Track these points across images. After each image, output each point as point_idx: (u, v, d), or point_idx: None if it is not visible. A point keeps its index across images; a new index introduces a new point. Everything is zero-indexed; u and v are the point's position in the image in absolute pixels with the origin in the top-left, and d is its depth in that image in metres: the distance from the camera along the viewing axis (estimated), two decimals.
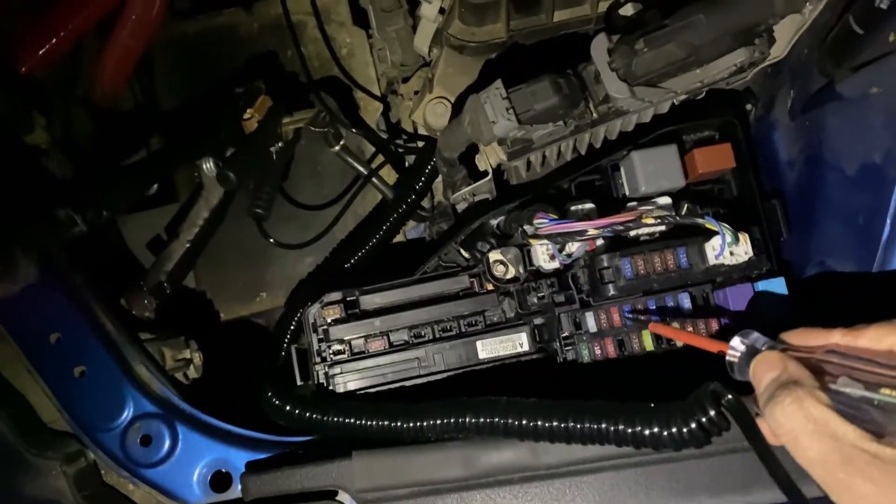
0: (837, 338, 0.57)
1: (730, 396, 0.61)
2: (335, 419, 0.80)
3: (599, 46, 0.84)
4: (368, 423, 0.78)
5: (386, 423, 0.77)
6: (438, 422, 0.74)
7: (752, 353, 0.60)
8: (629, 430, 0.65)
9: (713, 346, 0.65)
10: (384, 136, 1.17)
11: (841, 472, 0.49)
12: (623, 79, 0.83)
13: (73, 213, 0.85)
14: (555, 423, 0.68)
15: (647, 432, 0.65)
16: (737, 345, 0.62)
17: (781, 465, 0.57)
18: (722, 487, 0.72)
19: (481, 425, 0.72)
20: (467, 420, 0.72)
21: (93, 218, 0.87)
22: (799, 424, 0.52)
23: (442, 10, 1.02)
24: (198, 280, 1.17)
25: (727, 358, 0.63)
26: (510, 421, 0.70)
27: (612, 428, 0.66)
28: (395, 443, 0.76)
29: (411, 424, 0.76)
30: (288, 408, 0.83)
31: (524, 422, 0.70)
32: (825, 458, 0.50)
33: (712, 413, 0.62)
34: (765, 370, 0.58)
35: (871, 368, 0.51)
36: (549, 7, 1.00)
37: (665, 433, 0.64)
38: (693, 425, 0.63)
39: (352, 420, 0.79)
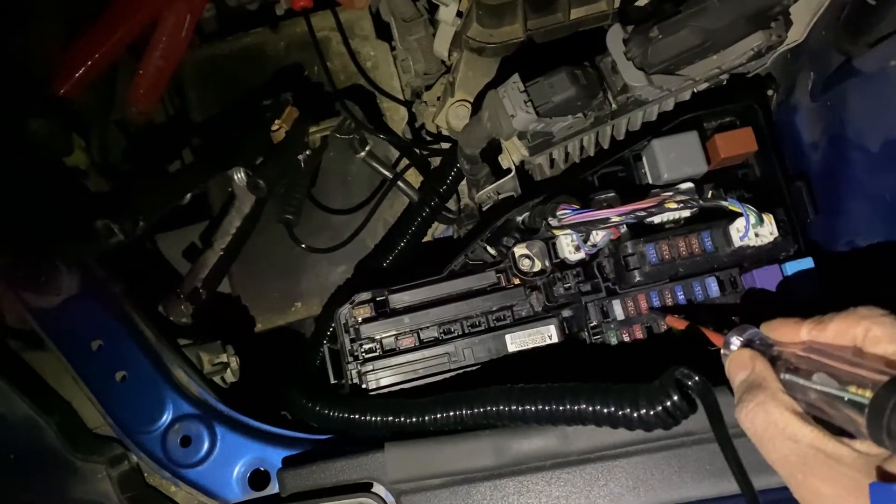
0: (805, 331, 0.57)
1: (696, 379, 0.62)
2: (339, 415, 0.83)
3: (615, 36, 0.85)
4: (371, 418, 0.80)
5: (382, 418, 0.80)
6: (438, 416, 0.76)
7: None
8: (602, 411, 0.67)
9: (718, 341, 0.65)
10: (412, 142, 1.19)
11: (799, 472, 0.51)
12: (640, 67, 0.84)
13: (112, 223, 0.88)
14: (536, 407, 0.71)
15: (619, 413, 0.66)
16: (732, 340, 0.62)
17: (737, 452, 0.59)
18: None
19: (475, 415, 0.74)
20: (463, 412, 0.75)
21: (130, 228, 0.90)
22: (761, 427, 0.54)
23: (459, 14, 1.04)
24: (235, 292, 1.20)
25: (722, 352, 0.63)
26: (499, 408, 0.72)
27: (587, 408, 0.68)
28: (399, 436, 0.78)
29: (409, 420, 0.78)
30: (301, 403, 0.86)
31: (510, 407, 0.72)
32: (785, 459, 0.52)
33: (676, 397, 0.64)
34: (736, 370, 0.60)
35: (841, 364, 0.51)
36: (566, 5, 1.02)
37: (634, 415, 0.66)
38: (659, 408, 0.64)
39: (356, 416, 0.82)
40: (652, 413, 0.65)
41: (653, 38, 0.82)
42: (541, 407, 0.70)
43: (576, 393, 0.69)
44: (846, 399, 0.48)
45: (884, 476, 0.48)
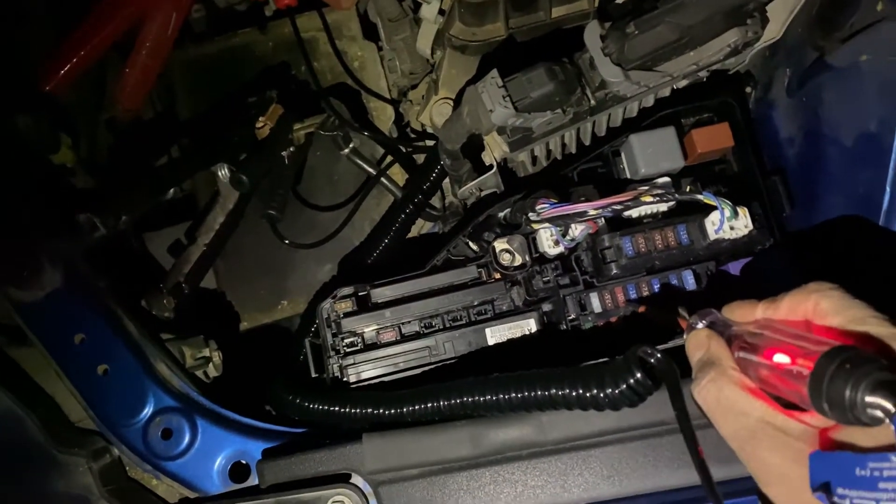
0: (760, 311, 0.59)
1: (658, 356, 0.63)
2: (318, 407, 0.83)
3: (592, 33, 0.86)
4: (349, 410, 0.81)
5: (361, 410, 0.80)
6: (414, 408, 0.77)
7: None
8: (571, 394, 0.68)
9: (683, 324, 0.66)
10: (396, 139, 1.20)
11: (748, 444, 0.53)
12: (617, 63, 0.85)
13: (94, 217, 0.89)
14: (508, 396, 0.72)
15: (587, 395, 0.67)
16: (695, 323, 0.64)
17: (694, 432, 0.60)
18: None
19: (451, 406, 0.75)
20: (438, 404, 0.76)
21: (112, 222, 0.90)
22: (713, 402, 0.56)
23: (442, 12, 1.05)
24: (222, 289, 1.21)
25: (685, 335, 0.64)
26: (474, 398, 0.74)
27: (557, 393, 0.69)
28: (377, 427, 0.79)
29: (387, 411, 0.79)
30: (282, 396, 0.87)
31: (484, 397, 0.73)
32: (735, 433, 0.54)
33: (639, 375, 0.65)
34: (694, 350, 0.61)
35: (789, 339, 0.52)
36: (547, 4, 1.03)
37: (601, 395, 0.67)
38: (623, 386, 0.65)
39: (334, 408, 0.82)
40: (617, 392, 0.66)
41: (629, 33, 0.83)
42: (513, 395, 0.71)
43: (545, 379, 0.69)
44: (793, 372, 0.49)
45: (826, 444, 0.48)
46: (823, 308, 0.53)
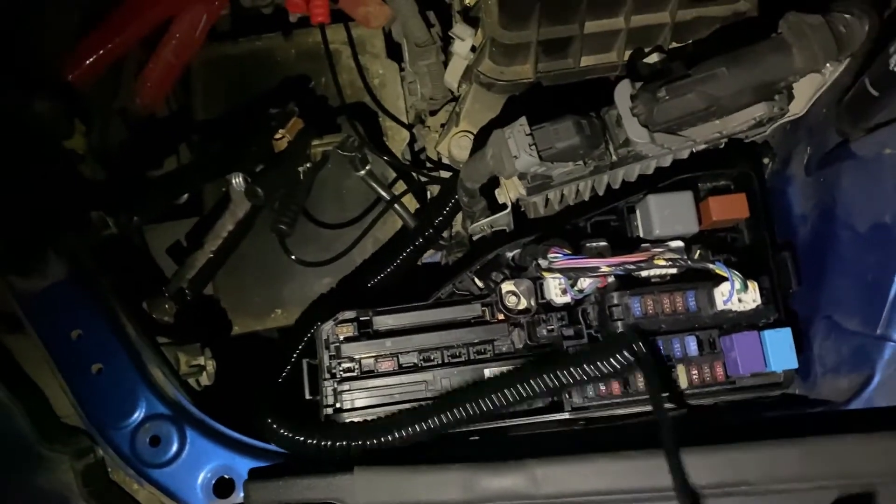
0: None
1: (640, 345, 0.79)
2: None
3: (623, 91, 0.87)
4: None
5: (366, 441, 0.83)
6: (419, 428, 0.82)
7: None
8: (574, 374, 0.80)
9: None
10: (412, 167, 1.21)
11: None
12: (644, 124, 0.86)
13: (106, 215, 0.88)
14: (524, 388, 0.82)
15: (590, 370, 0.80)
16: None
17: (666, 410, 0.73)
18: None
19: (457, 420, 0.82)
20: (439, 420, 0.81)
21: (124, 222, 0.90)
22: None
23: (473, 48, 1.05)
24: (218, 293, 1.20)
25: None
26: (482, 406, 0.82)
27: (557, 377, 0.81)
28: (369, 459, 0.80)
29: (390, 438, 0.82)
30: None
31: (495, 402, 0.82)
32: None
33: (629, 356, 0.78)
34: None
35: None
36: (577, 52, 1.04)
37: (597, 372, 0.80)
38: (617, 366, 0.79)
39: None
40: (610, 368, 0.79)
41: (660, 97, 0.84)
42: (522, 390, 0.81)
43: (555, 363, 0.81)
44: None
45: None
46: None
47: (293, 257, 1.10)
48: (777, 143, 1.02)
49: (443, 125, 1.23)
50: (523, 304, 0.92)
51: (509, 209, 0.99)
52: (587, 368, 0.81)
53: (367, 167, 1.12)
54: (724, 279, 0.82)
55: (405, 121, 1.28)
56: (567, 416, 0.88)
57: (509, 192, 0.98)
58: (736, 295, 0.83)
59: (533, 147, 0.85)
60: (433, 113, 1.28)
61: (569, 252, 0.87)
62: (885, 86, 0.74)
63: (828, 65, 0.86)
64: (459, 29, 1.04)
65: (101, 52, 1.07)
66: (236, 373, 1.12)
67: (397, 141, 1.29)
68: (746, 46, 0.84)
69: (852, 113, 0.82)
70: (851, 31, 0.81)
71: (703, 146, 0.92)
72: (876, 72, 0.76)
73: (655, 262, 0.83)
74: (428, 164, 1.24)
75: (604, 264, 0.84)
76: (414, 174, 1.20)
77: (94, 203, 0.89)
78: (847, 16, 0.82)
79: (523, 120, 0.86)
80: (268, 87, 1.27)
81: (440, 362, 0.93)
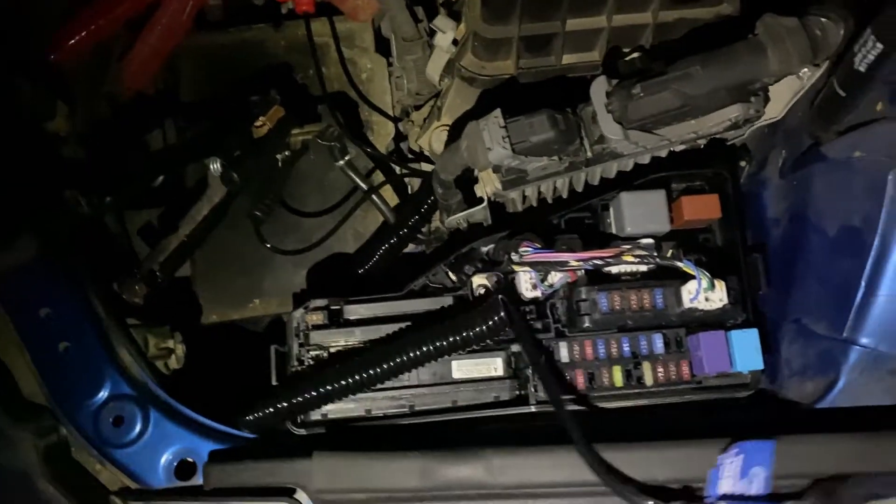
0: None
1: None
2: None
3: (599, 88, 0.87)
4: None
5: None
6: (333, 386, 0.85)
7: None
8: (453, 340, 0.84)
9: None
10: (393, 158, 1.21)
11: None
12: (618, 121, 0.86)
13: (80, 195, 0.88)
14: (405, 357, 0.85)
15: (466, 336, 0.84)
16: None
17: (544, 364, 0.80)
18: None
19: (360, 381, 0.85)
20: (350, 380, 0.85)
21: (97, 202, 0.90)
22: None
23: (455, 42, 1.06)
24: (196, 279, 1.20)
25: None
26: (384, 366, 0.85)
27: (443, 344, 0.84)
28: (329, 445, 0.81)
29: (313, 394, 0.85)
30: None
31: (396, 362, 0.85)
32: None
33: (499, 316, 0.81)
34: None
35: None
36: (559, 50, 1.04)
37: (471, 334, 0.83)
38: (490, 324, 0.82)
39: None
40: (484, 330, 0.82)
41: (634, 94, 0.84)
42: (410, 355, 0.84)
43: (429, 335, 0.85)
44: None
45: None
46: None
47: (268, 245, 1.10)
48: (755, 146, 1.03)
49: (426, 119, 1.23)
50: None
51: (485, 203, 0.99)
52: (465, 332, 0.84)
53: (347, 157, 1.12)
54: (692, 277, 0.82)
55: (392, 115, 1.29)
56: (533, 410, 0.88)
57: (486, 186, 0.99)
58: (703, 293, 0.83)
59: (507, 139, 0.86)
60: (418, 108, 1.28)
61: (539, 245, 0.87)
62: (851, 85, 0.75)
63: (805, 69, 0.86)
64: (441, 21, 1.04)
65: (86, 32, 1.07)
66: (209, 361, 1.12)
67: (382, 135, 1.29)
68: (723, 47, 0.84)
69: (823, 115, 0.82)
70: (827, 34, 0.81)
71: (680, 146, 0.93)
72: (843, 72, 0.76)
73: (624, 258, 0.84)
74: (410, 157, 1.24)
75: (572, 259, 0.84)
76: (394, 166, 1.20)
77: (68, 182, 0.89)
78: (823, 19, 0.82)
79: (498, 112, 0.87)
80: (255, 76, 1.26)
81: None
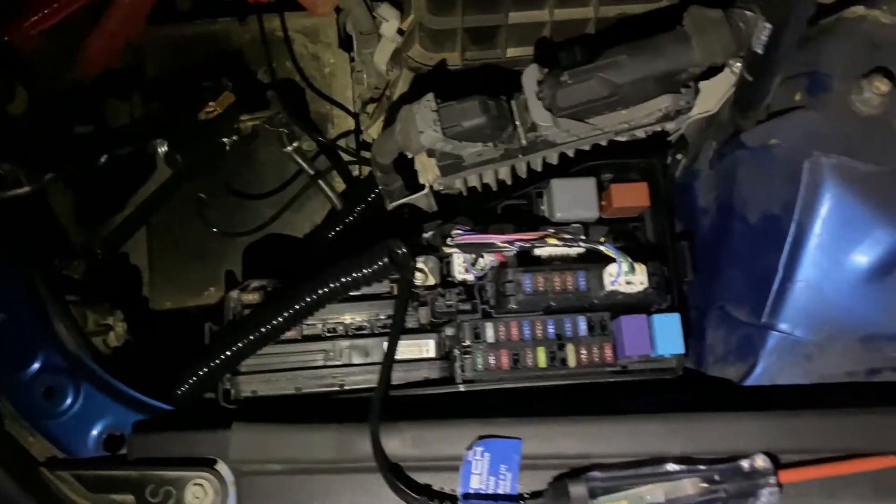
0: None
1: (403, 250, 0.86)
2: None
3: (530, 76, 0.89)
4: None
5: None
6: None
7: None
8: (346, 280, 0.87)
9: None
10: (340, 146, 1.23)
11: None
12: (548, 108, 0.88)
13: (19, 170, 0.90)
14: (305, 301, 0.87)
15: (358, 275, 0.87)
16: None
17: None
18: None
19: (267, 332, 0.88)
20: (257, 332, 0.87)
21: (37, 178, 0.91)
22: None
23: (401, 31, 1.07)
24: (152, 265, 1.22)
25: None
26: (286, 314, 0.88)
27: (337, 284, 0.87)
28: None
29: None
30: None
31: (295, 308, 0.88)
32: None
33: (386, 260, 0.85)
34: None
35: None
36: (503, 42, 1.06)
37: (360, 274, 0.87)
38: (379, 265, 0.85)
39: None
40: (371, 271, 0.86)
41: (563, 82, 0.86)
42: (309, 298, 0.87)
43: (325, 277, 0.87)
44: None
45: None
46: None
47: (214, 229, 1.12)
48: (693, 139, 1.04)
49: (376, 111, 1.25)
50: (430, 281, 0.94)
51: (427, 190, 1.00)
52: (354, 274, 0.87)
53: (295, 143, 1.14)
54: (613, 260, 0.84)
55: (352, 109, 1.31)
56: (462, 389, 0.90)
57: (427, 173, 1.00)
58: (623, 276, 0.84)
59: (438, 123, 0.87)
60: (374, 100, 1.30)
61: (469, 228, 0.89)
62: (755, 69, 0.76)
63: (738, 62, 0.88)
64: (384, 10, 1.06)
65: (42, 14, 1.09)
66: (157, 340, 1.14)
67: (343, 129, 1.31)
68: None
69: (739, 103, 0.84)
70: (750, 27, 0.83)
71: (613, 136, 0.94)
72: (747, 57, 0.78)
73: (548, 240, 0.85)
74: (361, 148, 1.26)
75: (499, 240, 0.86)
76: (340, 154, 1.22)
77: (9, 157, 0.90)
78: (747, 12, 0.84)
79: (430, 96, 0.88)
80: (218, 68, 1.29)
81: (343, 334, 0.94)
